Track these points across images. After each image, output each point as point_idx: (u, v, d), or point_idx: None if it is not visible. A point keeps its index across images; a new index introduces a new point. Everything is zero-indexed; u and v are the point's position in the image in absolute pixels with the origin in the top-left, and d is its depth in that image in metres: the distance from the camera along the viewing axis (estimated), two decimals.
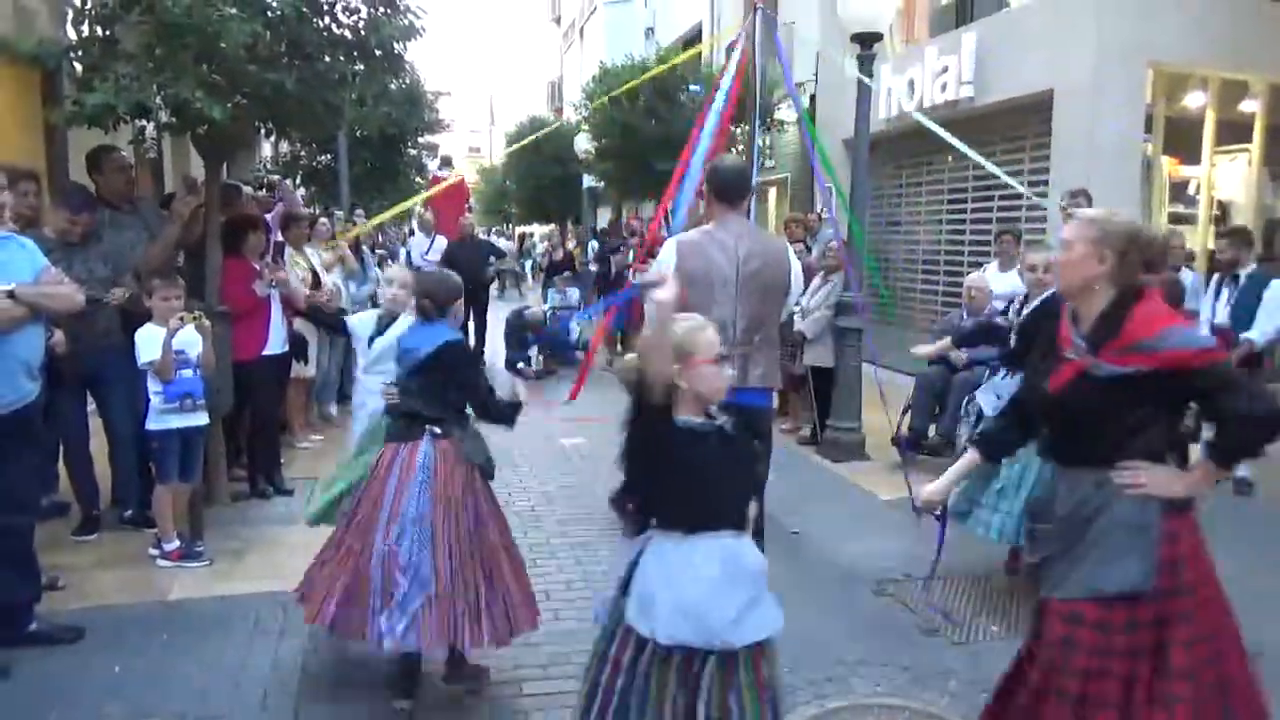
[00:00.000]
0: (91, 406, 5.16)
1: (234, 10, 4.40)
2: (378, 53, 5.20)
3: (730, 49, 6.10)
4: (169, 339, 4.48)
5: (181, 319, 4.51)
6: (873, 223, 10.43)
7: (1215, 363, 2.36)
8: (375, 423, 3.94)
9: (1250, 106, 8.92)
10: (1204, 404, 2.42)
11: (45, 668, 3.61)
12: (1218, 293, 6.33)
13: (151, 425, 4.60)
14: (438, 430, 3.30)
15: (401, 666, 3.38)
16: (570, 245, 19.89)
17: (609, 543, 5.27)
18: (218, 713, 3.36)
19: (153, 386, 4.57)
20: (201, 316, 4.64)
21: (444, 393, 3.33)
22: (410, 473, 3.23)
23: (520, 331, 11.60)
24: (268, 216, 6.79)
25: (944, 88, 9.79)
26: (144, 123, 4.91)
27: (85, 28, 4.83)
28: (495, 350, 11.66)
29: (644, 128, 12.79)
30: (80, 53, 4.84)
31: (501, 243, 19.12)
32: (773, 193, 16.04)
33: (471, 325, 11.14)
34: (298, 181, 12.92)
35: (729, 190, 3.68)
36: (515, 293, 22.97)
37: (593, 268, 14.81)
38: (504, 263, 14.03)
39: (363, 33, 5.08)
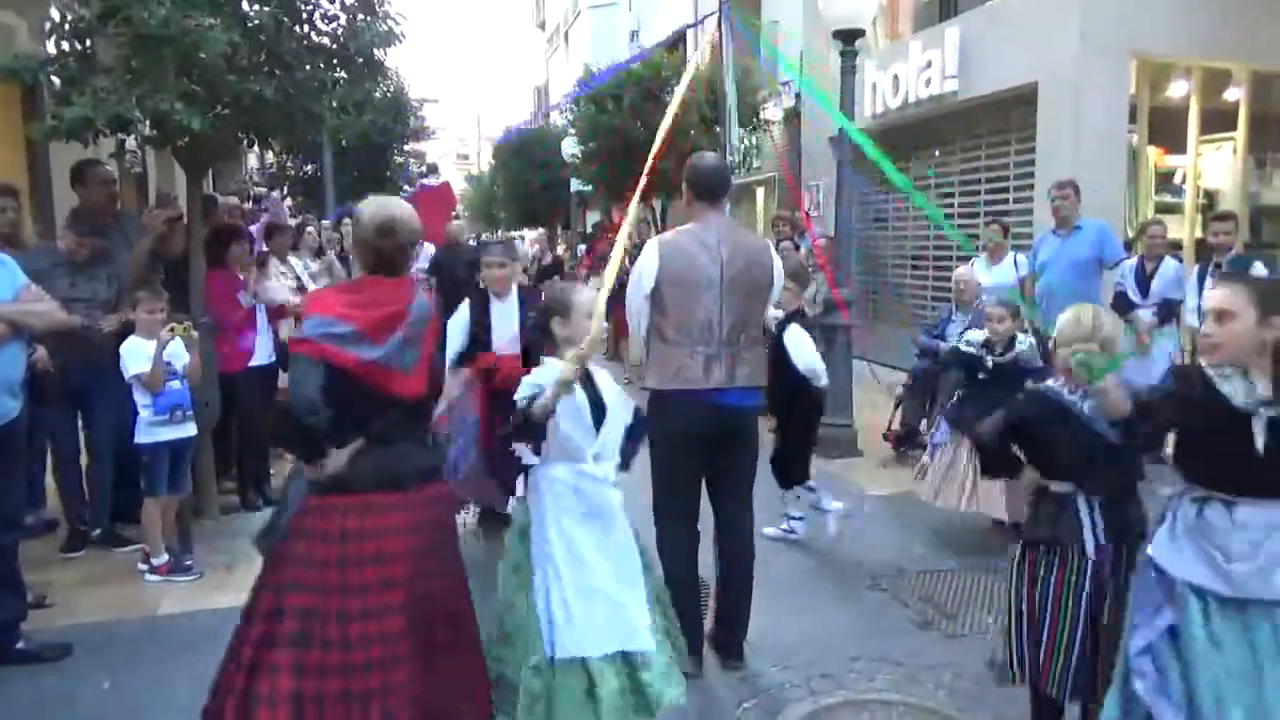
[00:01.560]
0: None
1: (211, 20, 4.38)
2: (358, 60, 5.19)
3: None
4: (160, 351, 4.46)
5: (171, 330, 4.48)
6: (860, 220, 10.43)
7: (295, 354, 2.52)
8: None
9: (1234, 95, 8.94)
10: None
11: (34, 686, 3.58)
12: (1204, 281, 6.33)
13: (141, 439, 4.57)
14: None
15: None
16: (560, 249, 19.89)
17: None
18: None
19: (141, 399, 4.53)
20: (190, 327, 4.62)
21: None
22: None
23: None
24: (252, 228, 6.77)
25: (928, 82, 9.81)
26: (124, 136, 4.88)
27: (65, 42, 4.81)
28: None
29: (629, 129, 12.79)
30: (58, 67, 4.81)
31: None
32: (760, 192, 16.06)
33: None
34: (285, 192, 12.89)
35: (709, 188, 3.65)
36: None
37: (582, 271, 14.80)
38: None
39: (342, 40, 5.07)
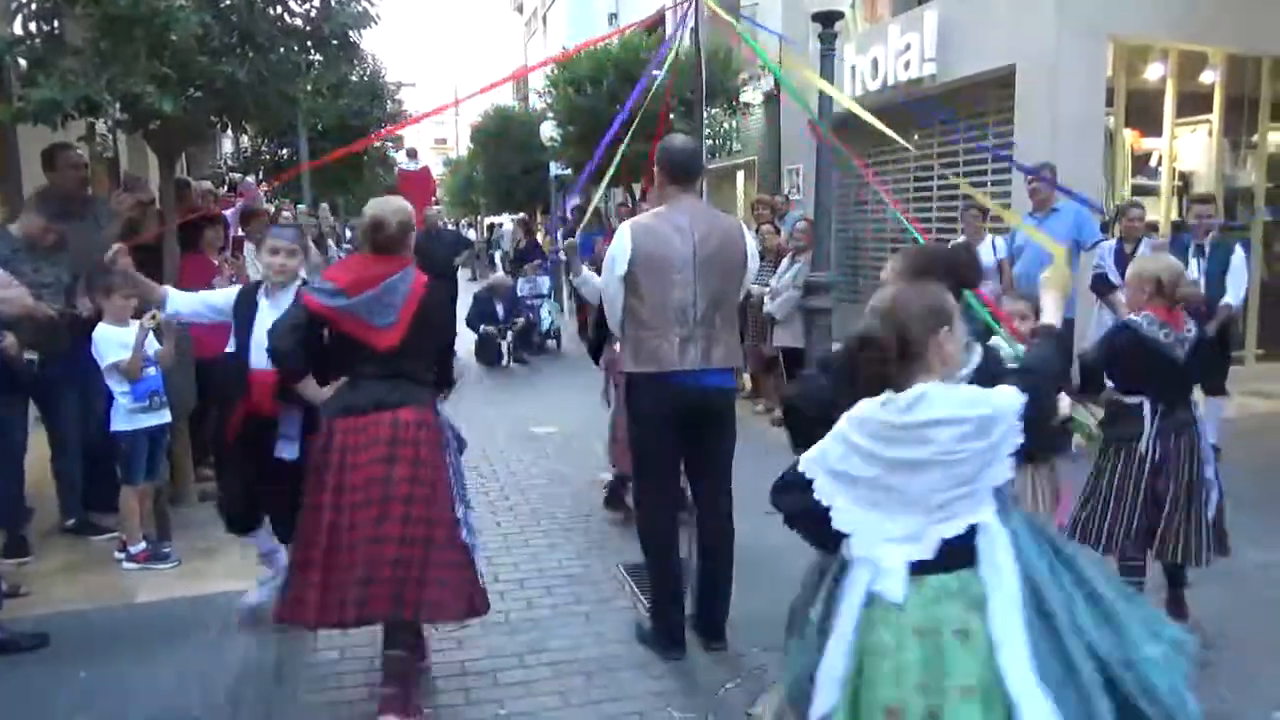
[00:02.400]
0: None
1: (182, 1, 4.31)
2: (333, 42, 5.13)
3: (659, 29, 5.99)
4: (143, 337, 4.41)
5: (154, 317, 4.43)
6: (840, 203, 10.43)
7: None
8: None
9: (1209, 78, 8.99)
10: None
11: (11, 676, 3.54)
12: (1185, 263, 6.37)
13: (121, 426, 4.51)
14: None
15: None
16: (539, 235, 19.76)
17: (581, 529, 5.26)
18: (189, 714, 3.31)
19: (119, 387, 4.47)
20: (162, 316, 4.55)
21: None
22: None
23: (488, 300, 11.55)
24: (227, 212, 6.69)
25: (907, 65, 9.81)
26: (94, 119, 4.80)
27: (31, 23, 4.71)
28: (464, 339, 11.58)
29: (608, 113, 12.70)
30: (25, 48, 4.71)
31: (470, 234, 18.99)
32: (740, 175, 16.05)
33: None
34: (259, 176, 12.73)
35: (681, 170, 3.65)
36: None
37: (562, 256, 14.75)
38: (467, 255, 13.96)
39: (316, 21, 5.00)
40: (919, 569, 2.05)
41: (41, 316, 4.42)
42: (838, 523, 2.10)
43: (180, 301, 3.93)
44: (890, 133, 5.06)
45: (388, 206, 3.38)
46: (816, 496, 2.13)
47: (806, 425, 2.32)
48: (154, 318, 4.43)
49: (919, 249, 2.91)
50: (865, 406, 2.09)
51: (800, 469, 2.17)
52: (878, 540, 2.08)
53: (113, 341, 4.43)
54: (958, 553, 2.04)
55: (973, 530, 2.05)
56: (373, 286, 3.22)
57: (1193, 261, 6.31)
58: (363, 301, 3.21)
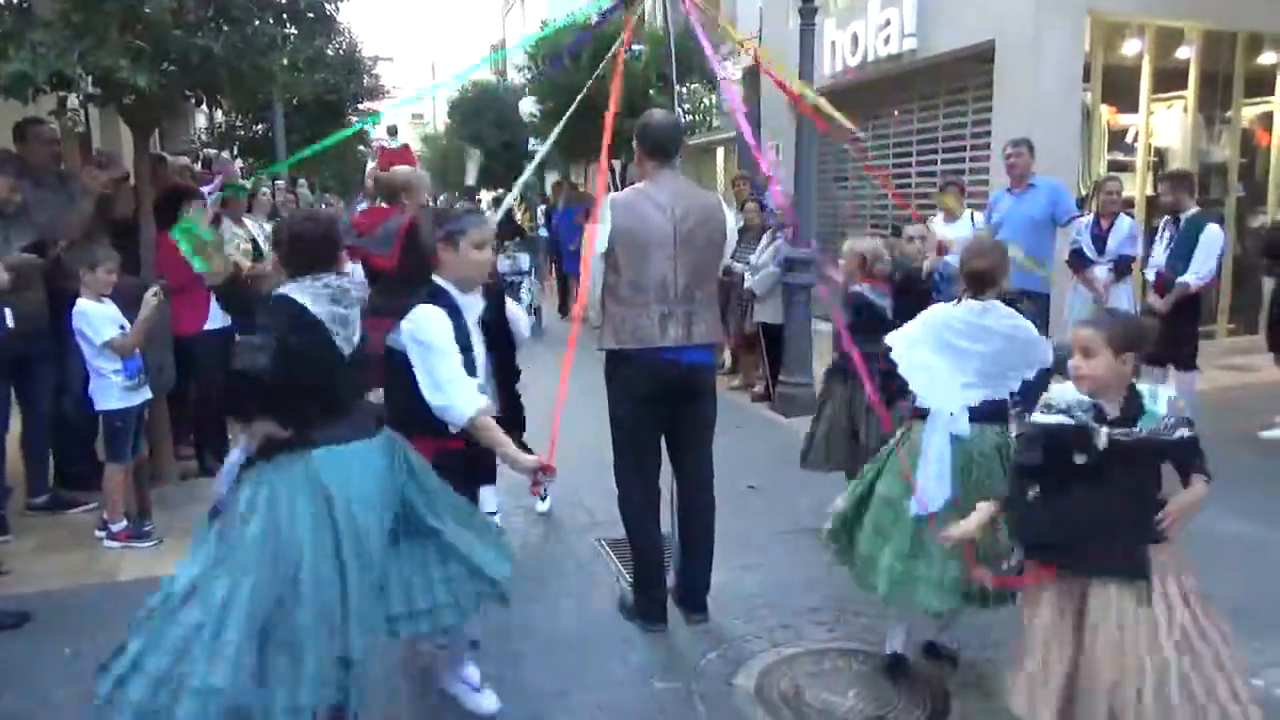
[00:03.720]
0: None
1: None
2: (308, 15, 5.07)
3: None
4: (148, 315, 4.37)
5: (155, 294, 4.40)
6: (819, 179, 10.45)
7: None
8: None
9: (1185, 54, 9.04)
10: None
11: None
12: (1160, 237, 6.44)
13: (113, 405, 4.48)
14: None
15: None
16: (518, 215, 19.62)
17: (563, 504, 5.28)
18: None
19: (109, 365, 4.43)
20: (160, 293, 4.52)
21: None
22: None
23: None
24: (204, 188, 6.61)
25: (887, 40, 9.81)
26: (65, 94, 4.72)
27: None
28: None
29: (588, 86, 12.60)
30: None
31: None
32: (720, 151, 16.02)
33: None
34: (234, 152, 12.58)
35: (661, 146, 3.64)
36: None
37: (543, 232, 14.69)
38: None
39: None
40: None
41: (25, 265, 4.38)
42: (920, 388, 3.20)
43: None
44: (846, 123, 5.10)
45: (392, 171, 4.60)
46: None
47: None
48: (156, 294, 4.40)
49: None
50: (945, 308, 3.24)
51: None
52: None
53: (104, 318, 4.39)
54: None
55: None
56: (378, 229, 4.13)
57: (1166, 236, 6.38)
58: (373, 238, 4.11)
